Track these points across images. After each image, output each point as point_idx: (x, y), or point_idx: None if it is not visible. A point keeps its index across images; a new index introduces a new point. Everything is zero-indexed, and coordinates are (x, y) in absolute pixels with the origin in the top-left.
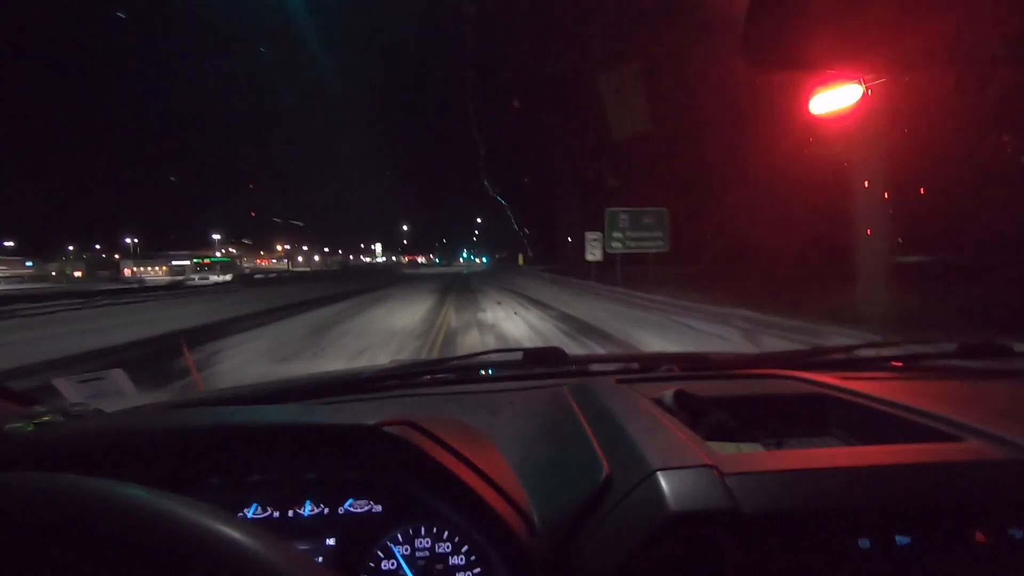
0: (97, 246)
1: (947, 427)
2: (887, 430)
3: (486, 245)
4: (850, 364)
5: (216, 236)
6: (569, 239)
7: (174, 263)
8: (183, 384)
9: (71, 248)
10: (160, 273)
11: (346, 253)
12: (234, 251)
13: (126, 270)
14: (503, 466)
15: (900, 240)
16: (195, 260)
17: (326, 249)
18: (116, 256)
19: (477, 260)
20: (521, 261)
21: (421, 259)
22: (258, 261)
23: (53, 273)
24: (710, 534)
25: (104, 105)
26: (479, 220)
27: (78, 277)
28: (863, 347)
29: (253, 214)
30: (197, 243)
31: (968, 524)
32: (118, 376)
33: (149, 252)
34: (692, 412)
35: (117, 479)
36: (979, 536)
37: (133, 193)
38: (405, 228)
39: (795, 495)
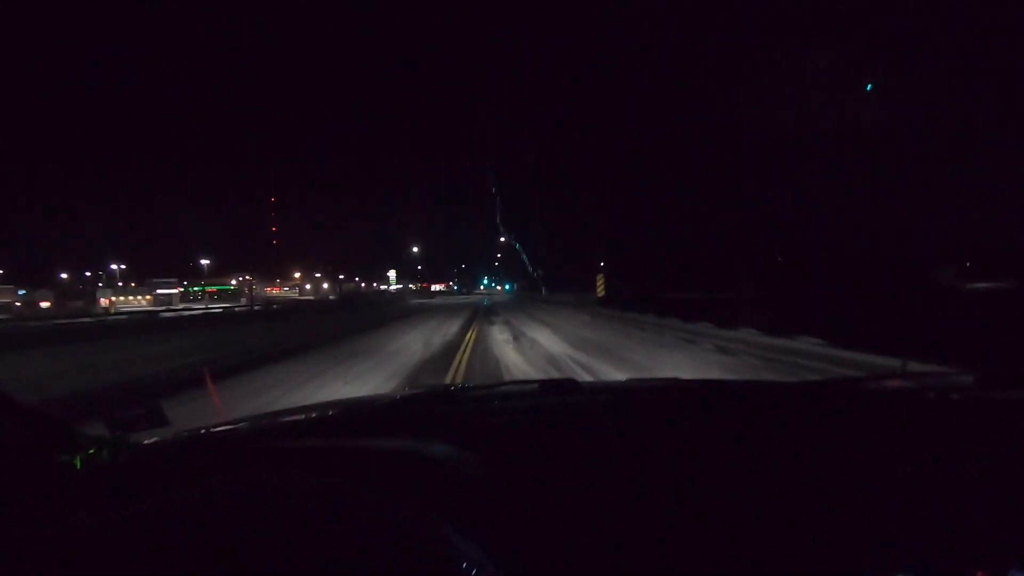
0: (88, 273)
1: None
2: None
3: (508, 271)
4: (872, 397)
5: (205, 261)
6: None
7: (159, 292)
8: None
9: (64, 276)
10: (144, 302)
11: (364, 280)
12: (249, 278)
13: (103, 300)
14: (520, 500)
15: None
16: (196, 288)
17: (341, 276)
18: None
19: (498, 287)
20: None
21: (440, 286)
22: (269, 289)
23: (18, 304)
24: None
25: (101, 114)
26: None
27: (45, 308)
28: (874, 378)
29: (275, 242)
30: (207, 271)
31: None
32: (155, 408)
33: (146, 279)
34: (705, 442)
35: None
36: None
37: (130, 216)
38: (416, 250)
39: None
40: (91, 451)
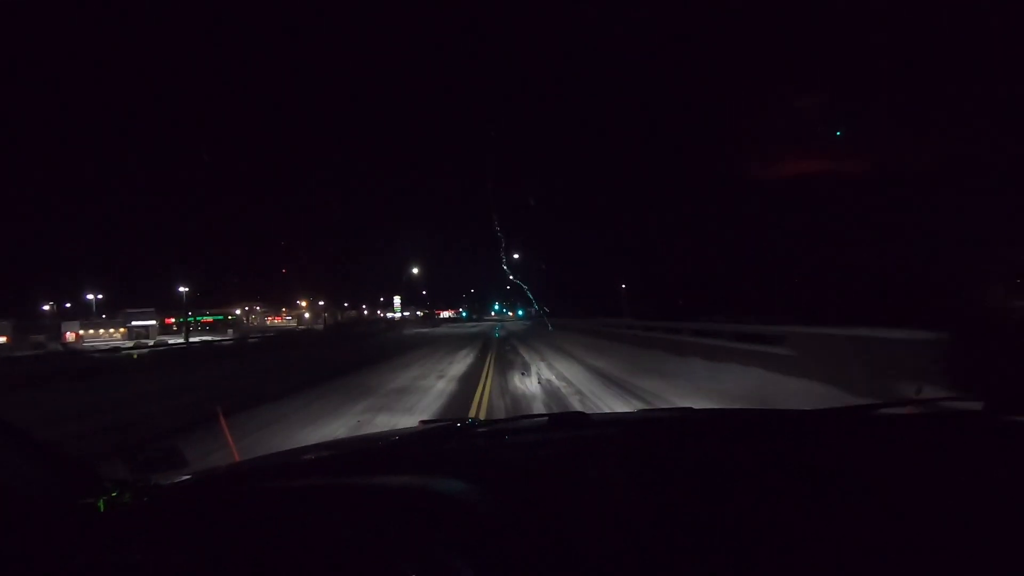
0: (68, 304)
1: None
2: None
3: (520, 296)
4: (888, 424)
5: (183, 289)
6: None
7: (134, 324)
8: None
9: (46, 307)
10: (119, 336)
11: (373, 307)
12: (258, 308)
13: (68, 333)
14: (530, 536)
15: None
16: (186, 319)
17: (346, 304)
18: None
19: (510, 313)
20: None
21: (448, 312)
22: (270, 319)
23: None
24: None
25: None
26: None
27: (2, 344)
28: (888, 405)
29: (284, 271)
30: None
31: None
32: (173, 450)
33: (119, 310)
34: (716, 475)
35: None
36: None
37: (115, 242)
38: (415, 271)
39: None
40: (114, 493)
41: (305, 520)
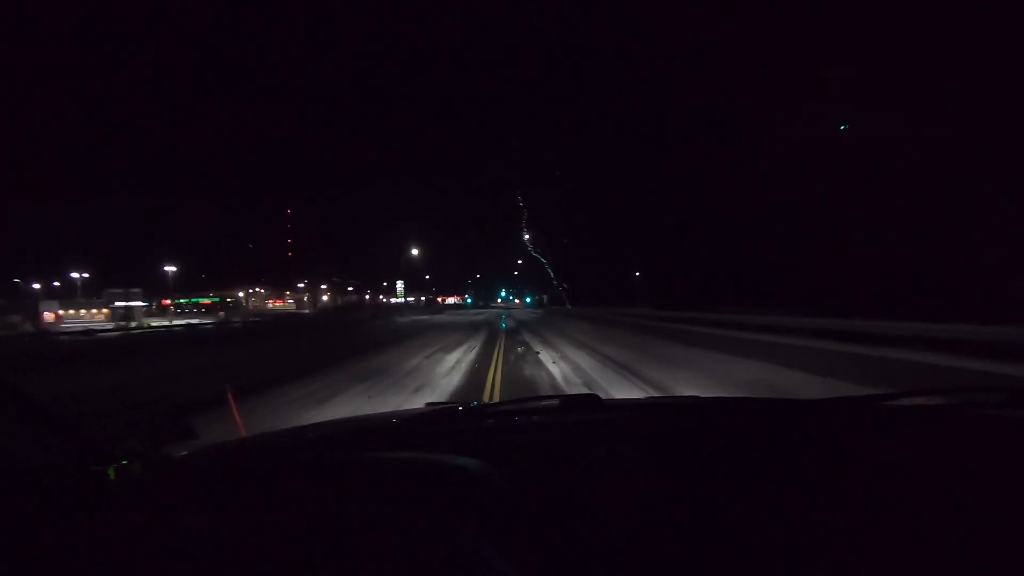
0: (56, 283)
1: None
2: None
3: (529, 283)
4: (902, 415)
5: (170, 268)
6: None
7: (117, 304)
8: None
9: (37, 286)
10: (102, 316)
11: (377, 292)
12: (261, 290)
13: (47, 314)
14: (543, 514)
15: None
16: (179, 301)
17: (350, 288)
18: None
19: (516, 301)
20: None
21: (453, 299)
22: (271, 302)
23: None
24: None
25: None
26: (520, 253)
27: None
28: (901, 395)
29: (290, 254)
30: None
31: None
32: (184, 422)
33: (103, 289)
34: (728, 462)
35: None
36: None
37: (108, 219)
38: (415, 252)
39: None
40: (124, 462)
41: (314, 490)
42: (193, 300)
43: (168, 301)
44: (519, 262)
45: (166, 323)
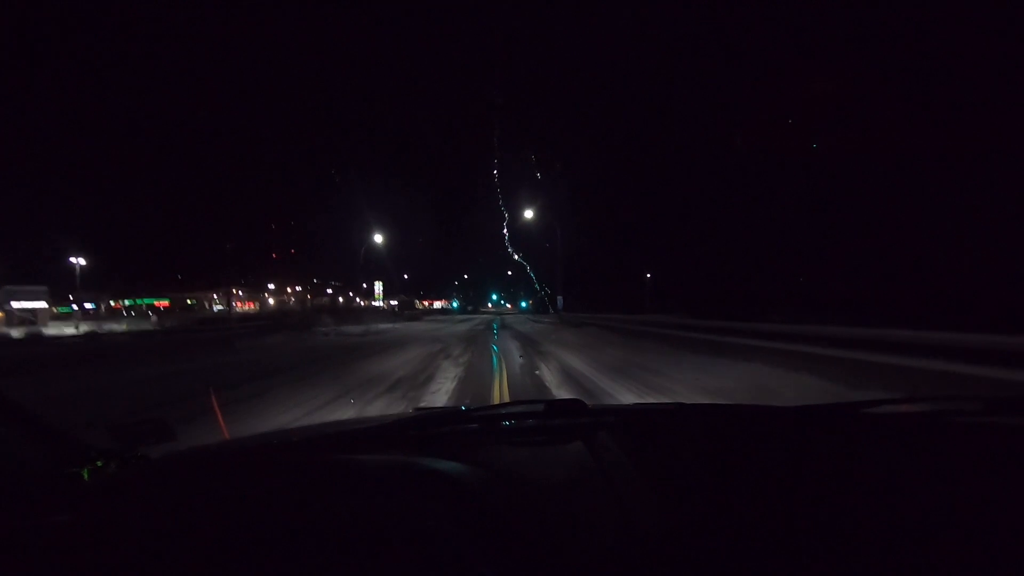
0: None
1: None
2: None
3: (524, 285)
4: (880, 422)
5: (78, 262)
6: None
7: (14, 305)
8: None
9: None
10: None
11: (346, 293)
12: (239, 292)
13: None
14: (527, 518)
15: None
16: (127, 303)
17: (329, 290)
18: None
19: (508, 305)
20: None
21: (440, 303)
22: (239, 304)
23: None
24: None
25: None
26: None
27: None
28: (882, 402)
29: (274, 255)
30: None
31: None
32: (161, 422)
33: (3, 287)
34: (709, 467)
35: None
36: None
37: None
38: (379, 239)
39: None
40: (99, 463)
41: (293, 492)
42: (138, 301)
43: (119, 304)
44: (516, 256)
45: (72, 330)
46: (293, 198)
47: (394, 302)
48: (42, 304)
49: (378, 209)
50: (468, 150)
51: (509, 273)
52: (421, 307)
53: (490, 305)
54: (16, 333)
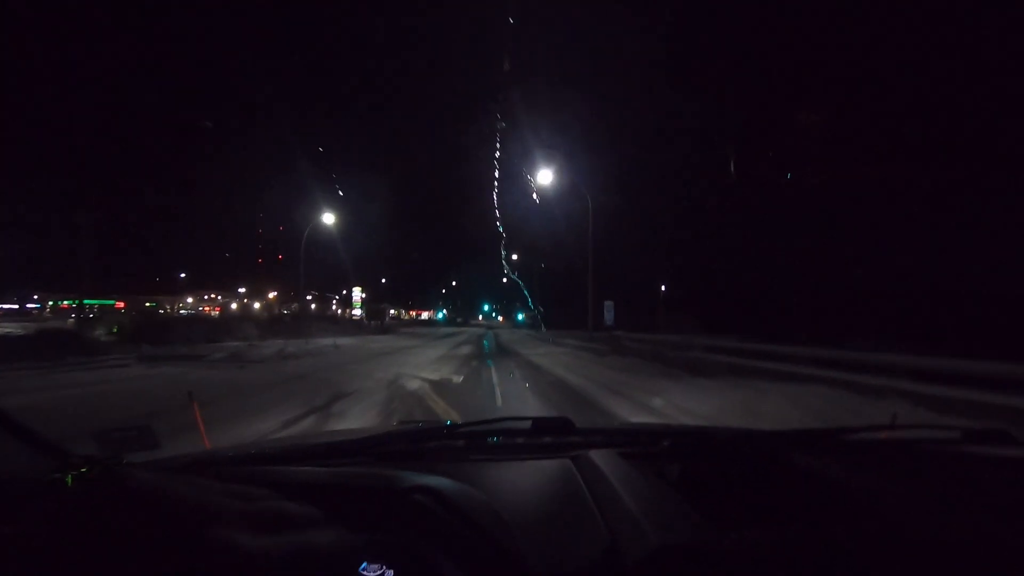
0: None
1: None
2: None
3: (520, 297)
4: (860, 448)
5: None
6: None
7: None
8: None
9: None
10: None
11: (327, 302)
12: (216, 296)
13: None
14: (511, 536)
15: None
16: (69, 303)
17: (309, 296)
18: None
19: (500, 319)
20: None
21: (427, 314)
22: (206, 309)
23: None
24: None
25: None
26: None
27: None
28: (864, 430)
29: (260, 260)
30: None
31: None
32: (146, 430)
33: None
34: (695, 490)
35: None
36: None
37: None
38: (330, 220)
39: None
40: (83, 469)
41: (273, 503)
42: (91, 302)
43: (67, 305)
44: (514, 257)
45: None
46: (275, 204)
47: (357, 312)
48: None
49: (362, 213)
50: (467, 168)
51: (504, 280)
52: (399, 316)
53: (480, 317)
54: None
